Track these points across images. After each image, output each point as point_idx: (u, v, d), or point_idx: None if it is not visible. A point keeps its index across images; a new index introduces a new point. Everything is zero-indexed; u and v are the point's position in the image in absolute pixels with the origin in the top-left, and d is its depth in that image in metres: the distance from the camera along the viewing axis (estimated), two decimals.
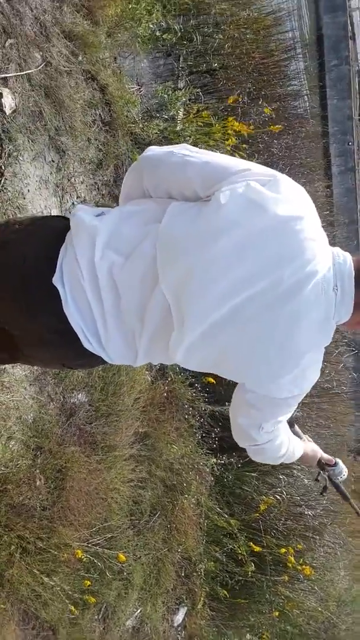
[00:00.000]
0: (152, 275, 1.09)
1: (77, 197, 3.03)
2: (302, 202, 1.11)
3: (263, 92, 5.03)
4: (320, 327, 1.11)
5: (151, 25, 3.24)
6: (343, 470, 1.73)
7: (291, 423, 1.53)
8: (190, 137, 3.66)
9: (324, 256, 1.10)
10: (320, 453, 1.66)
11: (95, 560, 2.58)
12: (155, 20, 3.26)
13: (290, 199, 1.08)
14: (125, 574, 2.87)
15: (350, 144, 10.59)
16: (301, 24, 7.89)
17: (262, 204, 1.05)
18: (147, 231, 1.11)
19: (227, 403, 1.91)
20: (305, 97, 6.40)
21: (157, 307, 1.09)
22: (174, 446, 3.32)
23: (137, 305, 1.11)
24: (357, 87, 10.02)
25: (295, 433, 1.59)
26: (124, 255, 1.11)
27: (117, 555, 2.67)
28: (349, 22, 10.19)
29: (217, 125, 3.55)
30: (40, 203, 2.77)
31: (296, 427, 1.64)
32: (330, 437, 5.48)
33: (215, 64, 4.21)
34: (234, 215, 1.05)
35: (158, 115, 3.63)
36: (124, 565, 2.77)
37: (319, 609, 3.99)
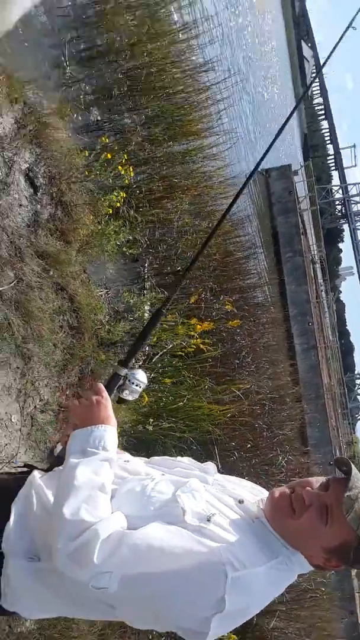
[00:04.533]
0: None
1: (39, 400, 3.05)
2: None
3: (225, 286, 5.49)
4: None
5: (118, 243, 3.59)
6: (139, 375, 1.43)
7: None
8: (154, 335, 3.86)
9: None
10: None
11: None
12: (122, 239, 3.63)
13: None
14: None
15: (310, 324, 11.40)
16: (257, 226, 8.91)
17: None
18: None
19: None
20: (265, 287, 6.96)
21: None
22: None
23: None
24: (312, 274, 11.19)
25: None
26: None
27: None
28: (299, 221, 11.70)
29: (179, 326, 3.76)
30: (0, 410, 2.76)
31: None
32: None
33: (179, 267, 4.62)
34: None
35: (125, 316, 3.85)
36: None
37: None
